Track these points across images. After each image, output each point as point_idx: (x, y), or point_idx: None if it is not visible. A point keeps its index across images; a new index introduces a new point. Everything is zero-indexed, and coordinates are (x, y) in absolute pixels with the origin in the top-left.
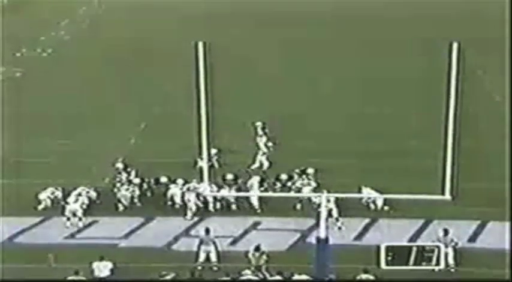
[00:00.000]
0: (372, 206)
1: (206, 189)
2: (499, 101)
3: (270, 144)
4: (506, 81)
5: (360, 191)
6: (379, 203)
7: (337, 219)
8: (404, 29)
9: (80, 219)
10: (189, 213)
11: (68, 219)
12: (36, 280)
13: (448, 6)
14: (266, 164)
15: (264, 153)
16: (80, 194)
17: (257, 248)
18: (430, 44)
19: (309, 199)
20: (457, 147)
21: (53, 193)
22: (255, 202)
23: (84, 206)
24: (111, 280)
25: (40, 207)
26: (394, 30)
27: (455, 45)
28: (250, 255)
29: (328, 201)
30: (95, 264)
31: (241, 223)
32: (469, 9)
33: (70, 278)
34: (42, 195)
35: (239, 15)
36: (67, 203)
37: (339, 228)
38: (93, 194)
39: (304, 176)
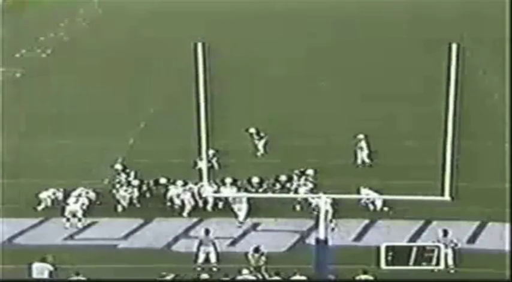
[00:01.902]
0: (371, 206)
1: (206, 189)
2: (498, 101)
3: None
4: (506, 81)
5: (358, 192)
6: (379, 203)
7: (330, 221)
8: (405, 29)
9: (80, 220)
10: (185, 213)
11: (68, 220)
12: (36, 280)
13: (448, 6)
14: (367, 161)
15: (362, 149)
16: (79, 195)
17: (256, 249)
18: (430, 44)
19: (306, 200)
20: (457, 148)
21: (54, 193)
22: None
23: (84, 207)
24: (111, 280)
25: (40, 207)
26: (394, 30)
27: (454, 46)
28: (249, 256)
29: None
30: (35, 265)
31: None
32: (469, 10)
33: (70, 278)
34: (43, 195)
35: (238, 16)
36: (67, 203)
37: (332, 229)
38: (93, 195)
39: (303, 177)
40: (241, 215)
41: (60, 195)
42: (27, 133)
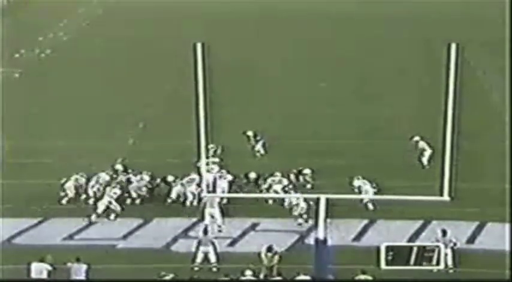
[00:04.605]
0: (363, 193)
1: (205, 189)
2: (498, 101)
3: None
4: (506, 81)
5: (351, 182)
6: (370, 191)
7: (306, 220)
8: (405, 29)
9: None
10: (187, 204)
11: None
12: (36, 280)
13: (448, 7)
14: (426, 163)
15: (423, 151)
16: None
17: (269, 249)
18: (430, 44)
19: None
20: (456, 148)
21: (77, 180)
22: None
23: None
24: (110, 280)
25: (64, 200)
26: (394, 30)
27: (453, 46)
28: (262, 255)
29: (298, 198)
30: (34, 265)
31: (239, 224)
32: (470, 11)
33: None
34: (68, 184)
35: (238, 16)
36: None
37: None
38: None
39: (300, 176)
40: (218, 219)
41: (83, 180)
42: (27, 133)
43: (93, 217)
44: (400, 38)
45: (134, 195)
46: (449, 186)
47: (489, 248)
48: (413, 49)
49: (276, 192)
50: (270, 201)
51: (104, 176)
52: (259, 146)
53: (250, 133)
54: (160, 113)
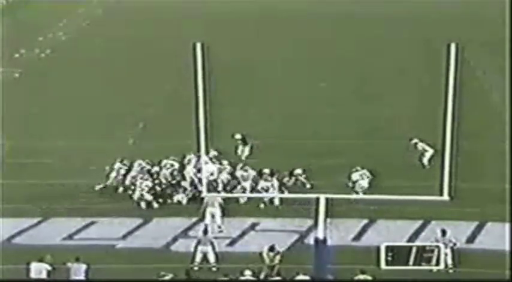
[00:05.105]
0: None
1: (204, 191)
2: (498, 101)
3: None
4: (506, 81)
5: (349, 177)
6: (365, 184)
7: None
8: (405, 29)
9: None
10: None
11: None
12: (35, 280)
13: (448, 7)
14: (426, 164)
15: (423, 152)
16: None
17: (271, 248)
18: (430, 44)
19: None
20: (456, 148)
21: (120, 168)
22: None
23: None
24: (109, 280)
25: (99, 186)
26: (394, 30)
27: (453, 46)
28: (264, 254)
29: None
30: (33, 265)
31: (239, 224)
32: (470, 11)
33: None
34: (113, 174)
35: (238, 16)
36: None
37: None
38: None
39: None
40: (217, 219)
41: (124, 167)
42: (27, 133)
43: (154, 204)
44: (400, 38)
45: (164, 181)
46: (449, 186)
47: (489, 248)
48: (413, 49)
49: (244, 189)
50: (242, 200)
51: (145, 165)
52: (246, 150)
53: (238, 136)
54: (160, 113)
